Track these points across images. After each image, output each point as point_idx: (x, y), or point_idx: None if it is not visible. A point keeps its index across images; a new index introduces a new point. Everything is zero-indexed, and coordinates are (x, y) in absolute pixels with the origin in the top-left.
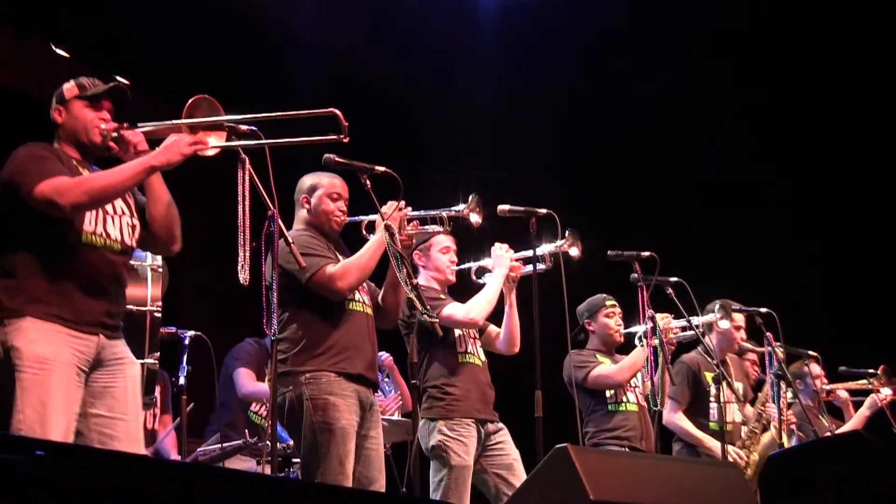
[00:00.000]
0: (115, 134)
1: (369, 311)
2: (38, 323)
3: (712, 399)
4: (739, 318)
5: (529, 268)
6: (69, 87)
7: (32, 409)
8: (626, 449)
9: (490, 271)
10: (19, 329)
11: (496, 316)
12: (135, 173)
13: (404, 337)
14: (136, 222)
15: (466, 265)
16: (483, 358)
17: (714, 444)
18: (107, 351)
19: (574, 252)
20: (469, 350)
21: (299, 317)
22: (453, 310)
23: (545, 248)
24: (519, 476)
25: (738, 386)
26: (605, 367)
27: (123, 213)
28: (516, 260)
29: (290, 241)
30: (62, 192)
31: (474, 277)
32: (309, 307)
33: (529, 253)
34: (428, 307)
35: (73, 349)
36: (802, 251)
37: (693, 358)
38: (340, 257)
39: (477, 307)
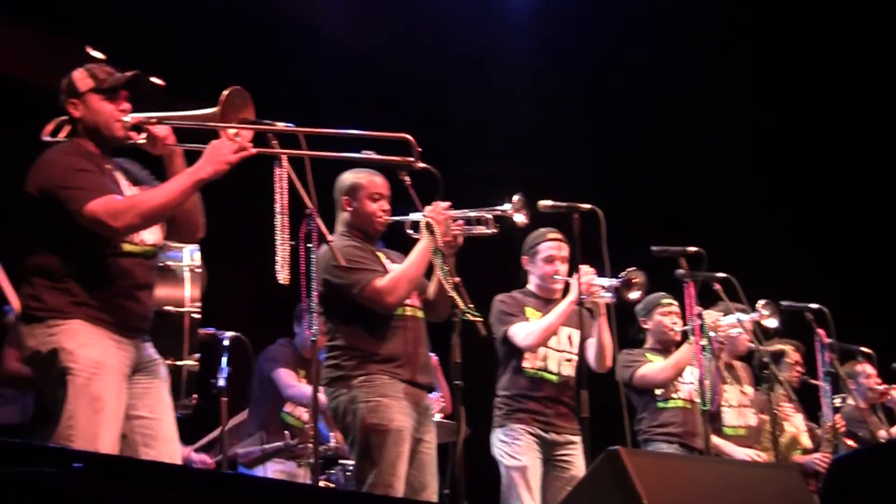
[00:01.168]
0: (133, 128)
1: (419, 313)
2: (87, 326)
3: (725, 403)
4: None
5: (608, 296)
6: (81, 78)
7: (85, 416)
8: (677, 446)
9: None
10: (70, 331)
11: None
12: (185, 188)
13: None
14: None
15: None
16: (564, 373)
17: (732, 449)
18: (143, 354)
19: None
20: (537, 367)
21: (349, 326)
22: (516, 331)
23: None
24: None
25: (749, 390)
26: (648, 367)
27: None
28: (596, 287)
29: (331, 240)
30: (115, 216)
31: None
32: (357, 317)
33: (614, 281)
34: (470, 305)
35: (120, 355)
36: (854, 246)
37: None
38: (384, 259)
39: (534, 334)
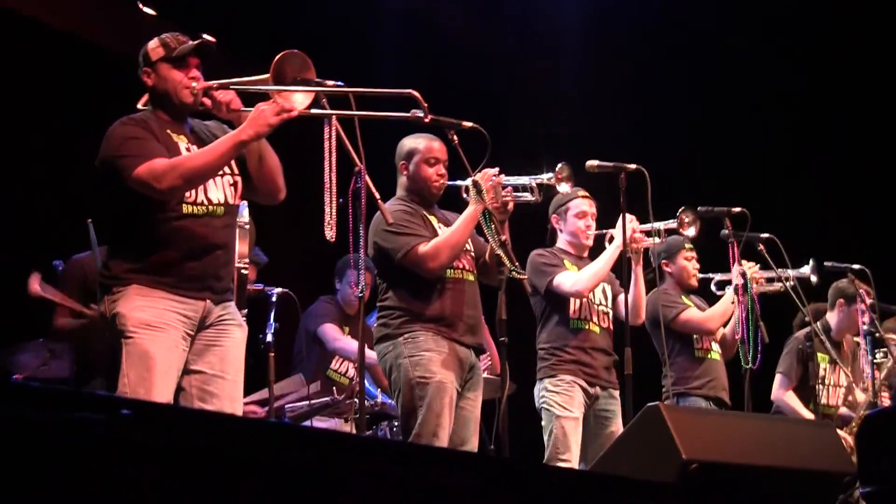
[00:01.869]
0: (204, 94)
1: (470, 276)
2: (143, 290)
3: (820, 381)
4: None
5: (651, 240)
6: (154, 48)
7: (136, 373)
8: (712, 403)
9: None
10: (125, 296)
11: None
12: (226, 150)
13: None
14: (238, 178)
15: (603, 231)
16: (604, 325)
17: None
18: (214, 314)
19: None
20: (583, 316)
21: (398, 288)
22: (562, 279)
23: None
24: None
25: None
26: (695, 312)
27: (225, 172)
28: (640, 232)
29: (378, 197)
30: (158, 178)
31: (607, 244)
32: (405, 279)
33: (657, 225)
34: (516, 264)
35: (179, 314)
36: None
37: (803, 342)
38: (437, 225)
39: (584, 279)
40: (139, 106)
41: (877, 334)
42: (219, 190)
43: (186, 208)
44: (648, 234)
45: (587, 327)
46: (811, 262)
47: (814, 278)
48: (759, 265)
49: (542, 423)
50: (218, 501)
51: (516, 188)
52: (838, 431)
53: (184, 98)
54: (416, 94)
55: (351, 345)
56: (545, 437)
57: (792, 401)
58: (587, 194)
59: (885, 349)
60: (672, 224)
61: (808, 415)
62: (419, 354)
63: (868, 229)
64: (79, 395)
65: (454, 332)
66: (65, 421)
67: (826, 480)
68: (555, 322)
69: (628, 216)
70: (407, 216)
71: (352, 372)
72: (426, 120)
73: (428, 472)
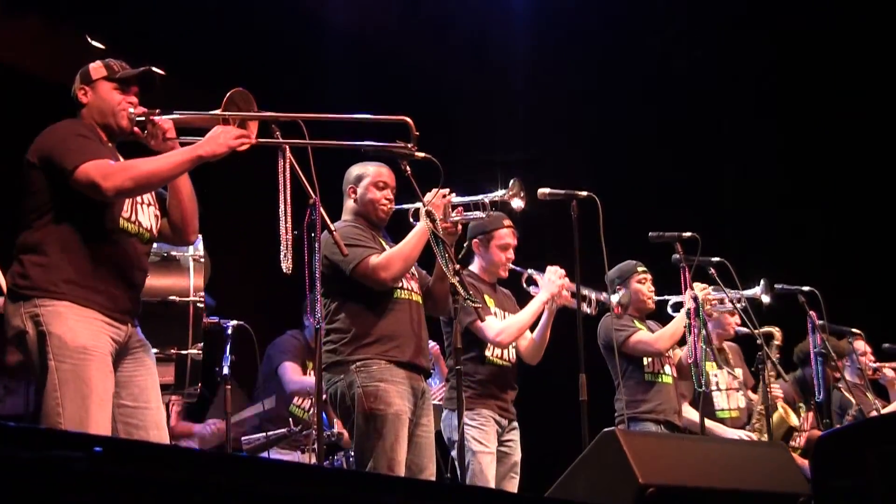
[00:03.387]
0: (142, 119)
1: (417, 298)
2: (76, 308)
3: (714, 388)
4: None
5: (572, 302)
6: (96, 68)
7: (73, 403)
8: (662, 427)
9: (536, 284)
10: (57, 314)
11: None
12: (181, 162)
13: (443, 330)
14: (159, 213)
15: (519, 269)
16: (511, 360)
17: (724, 431)
18: (132, 339)
19: (517, 203)
20: (496, 352)
21: (346, 307)
22: (487, 326)
23: (486, 197)
24: (515, 481)
25: (738, 372)
26: (645, 334)
27: (150, 203)
28: (567, 291)
29: (333, 229)
30: (107, 176)
31: (524, 284)
32: (355, 297)
33: (586, 293)
34: (471, 293)
35: (109, 337)
36: (843, 229)
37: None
38: (386, 247)
39: (509, 332)
40: None
41: (826, 356)
42: (146, 217)
43: (122, 223)
44: (468, 207)
45: (500, 362)
46: (762, 282)
47: (765, 298)
48: (711, 287)
49: (453, 453)
50: None
51: (467, 207)
52: (742, 432)
53: (121, 121)
54: (408, 120)
55: (308, 382)
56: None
57: (689, 413)
58: (511, 224)
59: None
60: (498, 196)
61: (708, 423)
62: (373, 385)
63: (818, 252)
64: (51, 433)
65: (404, 353)
66: (44, 459)
67: (781, 501)
68: (473, 357)
69: (557, 269)
70: (357, 230)
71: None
72: (414, 151)
73: (390, 501)
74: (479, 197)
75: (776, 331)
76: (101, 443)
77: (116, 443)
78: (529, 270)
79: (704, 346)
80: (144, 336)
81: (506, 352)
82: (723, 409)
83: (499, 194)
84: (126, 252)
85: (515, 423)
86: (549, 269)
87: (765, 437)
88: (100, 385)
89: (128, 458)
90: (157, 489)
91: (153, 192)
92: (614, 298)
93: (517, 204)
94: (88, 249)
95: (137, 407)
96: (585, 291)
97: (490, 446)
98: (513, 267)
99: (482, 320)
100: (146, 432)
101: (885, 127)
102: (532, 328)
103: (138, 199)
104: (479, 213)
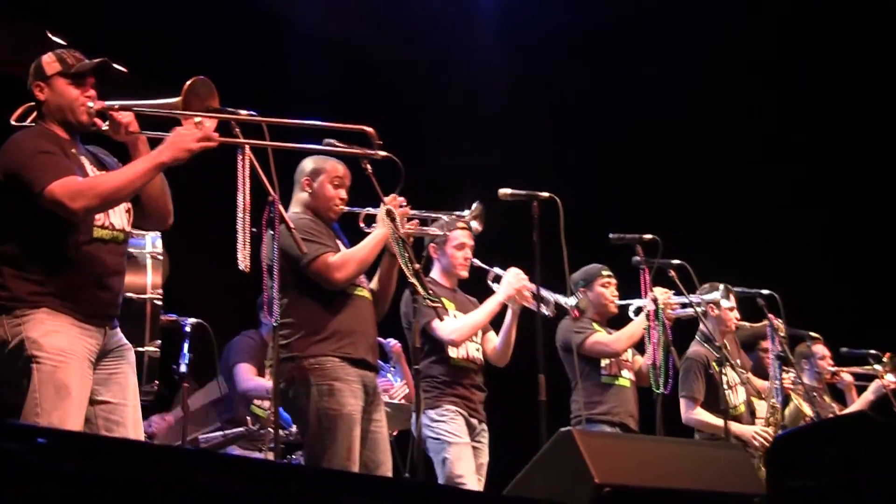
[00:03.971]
0: (99, 115)
1: (369, 295)
2: (53, 314)
3: (727, 385)
4: (730, 301)
5: (539, 305)
6: (49, 62)
7: (51, 403)
8: (618, 429)
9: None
10: (35, 320)
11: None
12: (145, 171)
13: (405, 330)
14: (130, 205)
15: (484, 266)
16: (477, 361)
17: (739, 428)
18: (112, 340)
19: (474, 225)
20: (460, 355)
21: (301, 302)
22: (442, 326)
23: (445, 216)
24: (480, 481)
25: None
26: (602, 336)
27: None
28: (529, 291)
29: (292, 226)
30: (73, 197)
31: (489, 281)
32: (310, 292)
33: (546, 294)
34: (431, 291)
35: (85, 342)
36: (804, 233)
37: (698, 351)
38: (340, 244)
39: (462, 331)
40: (12, 121)
41: (784, 359)
42: (117, 216)
43: (97, 232)
44: (425, 222)
45: (466, 365)
46: (721, 286)
47: (725, 303)
48: (672, 291)
49: (430, 453)
50: None
51: (424, 222)
52: (755, 428)
53: (79, 116)
54: (369, 130)
55: (260, 383)
56: (437, 465)
57: (703, 416)
58: (465, 226)
59: (793, 372)
60: (458, 214)
61: (719, 422)
62: (328, 383)
63: (777, 256)
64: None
65: (357, 350)
66: None
67: (736, 502)
68: (436, 358)
69: (518, 271)
70: (315, 226)
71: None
72: (379, 155)
73: (348, 498)
74: (438, 214)
75: (780, 323)
76: (45, 434)
77: (61, 435)
78: (495, 269)
79: (663, 346)
80: None
81: (470, 353)
82: (734, 407)
83: (459, 214)
84: (102, 259)
85: (485, 426)
86: (510, 270)
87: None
88: (77, 386)
89: (72, 450)
90: (103, 482)
91: None
92: (571, 302)
93: (475, 227)
94: (63, 259)
95: (118, 404)
96: (545, 294)
97: (464, 437)
98: (479, 264)
99: (441, 320)
100: (126, 429)
101: (847, 126)
102: (497, 331)
103: None
104: (435, 230)
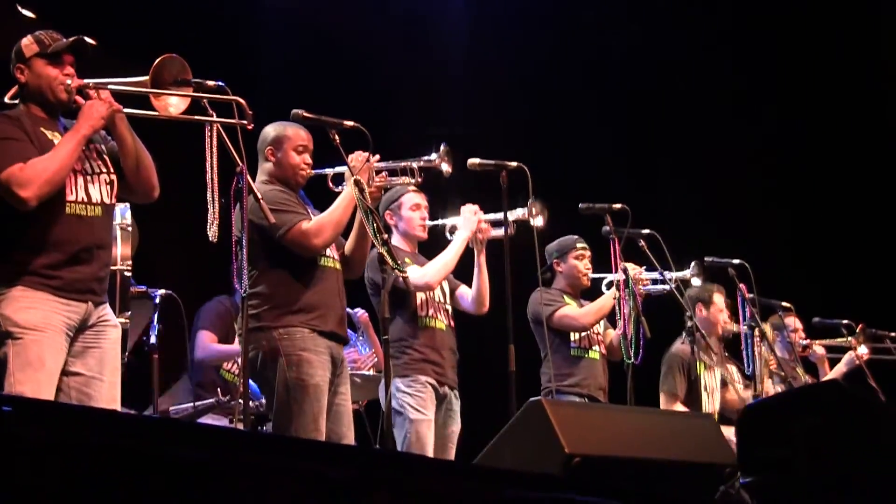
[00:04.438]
0: (81, 90)
1: (338, 266)
2: (29, 291)
3: (704, 389)
4: (720, 301)
5: (498, 231)
6: (28, 44)
7: (24, 374)
8: (586, 399)
9: None
10: (10, 298)
11: (468, 276)
12: (75, 146)
13: (371, 297)
14: (114, 177)
15: (440, 222)
16: (448, 322)
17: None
18: (94, 315)
19: (538, 222)
20: (430, 314)
21: (270, 273)
22: (410, 273)
23: (510, 215)
24: (452, 451)
25: (733, 368)
26: (571, 309)
27: (101, 170)
28: (486, 222)
29: (259, 196)
30: (22, 184)
31: (448, 235)
32: (280, 263)
33: (499, 215)
34: (399, 262)
35: (63, 316)
36: (776, 202)
37: (681, 349)
38: (312, 212)
39: (433, 271)
40: (6, 99)
41: (756, 328)
42: (96, 189)
43: (70, 208)
44: (496, 224)
45: (434, 325)
46: (693, 264)
47: (696, 281)
48: (644, 267)
49: (394, 423)
50: (103, 498)
51: (393, 172)
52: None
53: (58, 94)
54: (241, 101)
55: (214, 350)
56: (398, 439)
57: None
58: (416, 188)
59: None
60: (519, 214)
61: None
62: (296, 354)
63: (748, 225)
64: None
65: (327, 323)
66: None
67: (707, 472)
68: (404, 319)
69: (471, 206)
70: (284, 195)
71: None
72: (248, 127)
73: (313, 467)
74: (406, 161)
75: (719, 295)
76: (10, 402)
77: (26, 403)
78: (448, 220)
79: (633, 321)
80: None
81: (440, 314)
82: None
83: (427, 159)
84: (78, 235)
85: (456, 392)
86: (463, 208)
87: None
88: (51, 360)
89: (38, 418)
90: (71, 451)
91: (105, 158)
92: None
93: (445, 168)
94: (39, 239)
95: (93, 377)
96: (502, 217)
97: (427, 413)
98: (432, 223)
99: (411, 290)
100: (97, 403)
101: (821, 96)
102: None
103: (87, 170)
104: (406, 178)
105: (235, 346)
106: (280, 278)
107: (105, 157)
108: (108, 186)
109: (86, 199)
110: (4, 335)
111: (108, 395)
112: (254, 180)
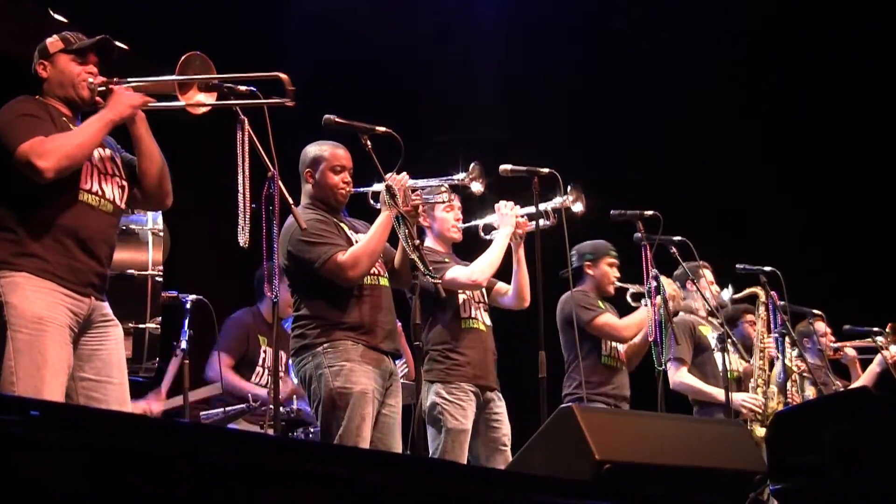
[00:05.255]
0: (102, 88)
1: (384, 281)
2: (33, 279)
3: (715, 348)
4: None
5: (535, 223)
6: (53, 42)
7: (27, 372)
8: (613, 407)
9: (496, 228)
10: (14, 284)
11: (505, 273)
12: (100, 128)
13: (409, 300)
14: (126, 184)
15: (473, 223)
16: (488, 323)
17: (722, 396)
18: (96, 312)
19: (578, 207)
20: (473, 315)
21: (315, 299)
22: (456, 273)
23: (549, 204)
24: (507, 454)
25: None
26: (613, 318)
27: (115, 173)
28: (522, 216)
29: (291, 203)
30: (41, 155)
31: (482, 234)
32: (321, 289)
33: (534, 209)
34: (431, 268)
35: (67, 308)
36: (806, 210)
37: (684, 318)
38: (347, 230)
39: (480, 269)
40: None
41: (787, 336)
42: (110, 188)
43: (82, 195)
44: (532, 217)
45: (476, 326)
46: (729, 287)
47: (727, 304)
48: (677, 284)
49: (430, 429)
50: (129, 501)
51: (426, 190)
52: (743, 395)
53: (81, 91)
54: (283, 76)
55: (227, 381)
56: (430, 444)
57: (689, 379)
58: (448, 189)
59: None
60: (558, 202)
61: (708, 388)
62: (339, 364)
63: (778, 232)
64: None
65: (373, 339)
66: None
67: (737, 479)
68: (444, 321)
69: (506, 202)
70: (322, 225)
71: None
72: (289, 104)
73: (349, 473)
74: (438, 181)
75: (759, 291)
76: (38, 406)
77: (53, 407)
78: (483, 220)
79: (665, 323)
80: None
81: (481, 313)
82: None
83: (458, 178)
84: (88, 224)
85: (499, 393)
86: (498, 205)
87: (772, 389)
88: (54, 355)
89: (65, 422)
90: (96, 454)
91: (118, 164)
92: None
93: (476, 188)
94: (49, 222)
95: (100, 381)
96: (541, 206)
97: (466, 423)
98: (466, 225)
99: (442, 297)
100: (109, 407)
101: (850, 106)
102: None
103: (101, 168)
104: (439, 197)
105: (251, 386)
106: (321, 303)
107: (119, 163)
108: (120, 190)
109: (100, 193)
110: (7, 326)
111: (119, 396)
112: (291, 195)
